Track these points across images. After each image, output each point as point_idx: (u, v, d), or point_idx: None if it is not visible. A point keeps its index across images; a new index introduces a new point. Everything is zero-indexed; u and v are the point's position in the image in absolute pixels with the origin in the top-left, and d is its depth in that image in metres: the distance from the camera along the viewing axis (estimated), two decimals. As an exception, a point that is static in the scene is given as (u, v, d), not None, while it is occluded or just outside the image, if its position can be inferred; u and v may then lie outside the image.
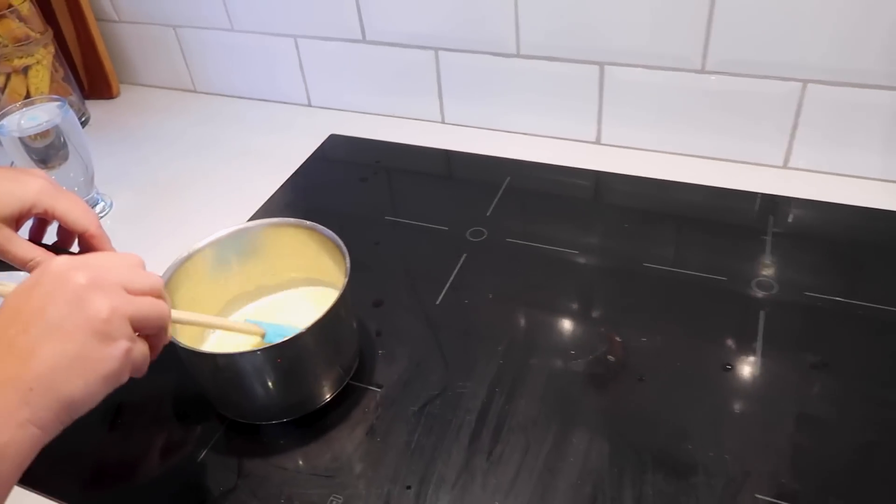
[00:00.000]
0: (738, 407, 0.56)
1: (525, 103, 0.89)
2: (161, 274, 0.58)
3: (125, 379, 0.43)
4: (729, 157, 0.82)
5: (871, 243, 0.70)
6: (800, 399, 0.56)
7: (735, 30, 0.73)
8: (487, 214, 0.79)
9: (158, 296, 0.45)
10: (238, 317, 0.65)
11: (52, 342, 0.39)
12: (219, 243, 0.62)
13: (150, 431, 0.60)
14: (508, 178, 0.84)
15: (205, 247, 0.61)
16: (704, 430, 0.54)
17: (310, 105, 1.04)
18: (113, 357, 0.41)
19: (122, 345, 0.41)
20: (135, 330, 0.43)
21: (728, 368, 0.59)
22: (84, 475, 0.57)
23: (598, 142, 0.88)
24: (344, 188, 0.87)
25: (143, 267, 0.47)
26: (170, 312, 0.47)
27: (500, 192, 0.82)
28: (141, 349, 0.44)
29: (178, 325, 0.56)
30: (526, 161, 0.86)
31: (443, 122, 0.96)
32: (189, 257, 0.60)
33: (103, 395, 0.41)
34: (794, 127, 0.77)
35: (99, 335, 0.40)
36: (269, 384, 0.56)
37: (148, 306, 0.44)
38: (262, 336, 0.58)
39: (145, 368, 0.45)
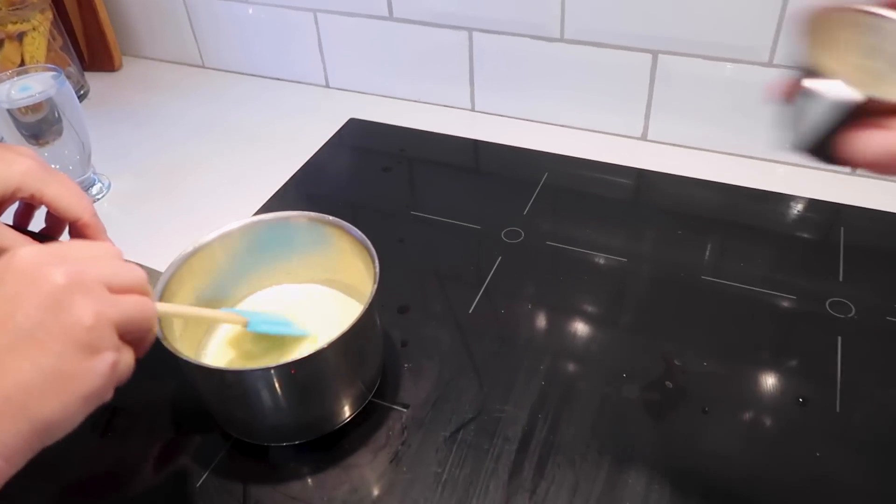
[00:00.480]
0: (818, 449, 0.49)
1: (566, 93, 0.81)
2: (163, 269, 0.51)
3: (109, 396, 0.36)
4: (791, 161, 0.75)
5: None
6: (891, 443, 0.49)
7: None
8: (524, 213, 0.71)
9: (143, 292, 0.38)
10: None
11: (22, 355, 0.32)
12: (229, 237, 0.55)
13: (146, 444, 0.53)
14: (546, 174, 0.76)
15: (213, 241, 0.54)
16: (783, 475, 0.47)
17: (328, 86, 0.97)
18: (96, 372, 0.34)
19: (107, 357, 0.35)
20: (119, 336, 0.36)
21: (802, 402, 0.52)
22: (66, 490, 0.50)
23: (643, 138, 0.80)
24: (364, 178, 0.79)
25: (122, 258, 0.40)
26: (156, 311, 0.40)
27: (538, 189, 0.74)
28: (127, 360, 0.37)
29: (175, 334, 0.49)
30: (566, 156, 0.79)
31: (472, 109, 0.88)
32: (195, 252, 0.53)
33: (84, 416, 0.35)
34: (868, 130, 0.69)
35: (80, 347, 0.34)
36: (282, 401, 0.49)
37: (133, 307, 0.37)
38: (245, 325, 0.50)
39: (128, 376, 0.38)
